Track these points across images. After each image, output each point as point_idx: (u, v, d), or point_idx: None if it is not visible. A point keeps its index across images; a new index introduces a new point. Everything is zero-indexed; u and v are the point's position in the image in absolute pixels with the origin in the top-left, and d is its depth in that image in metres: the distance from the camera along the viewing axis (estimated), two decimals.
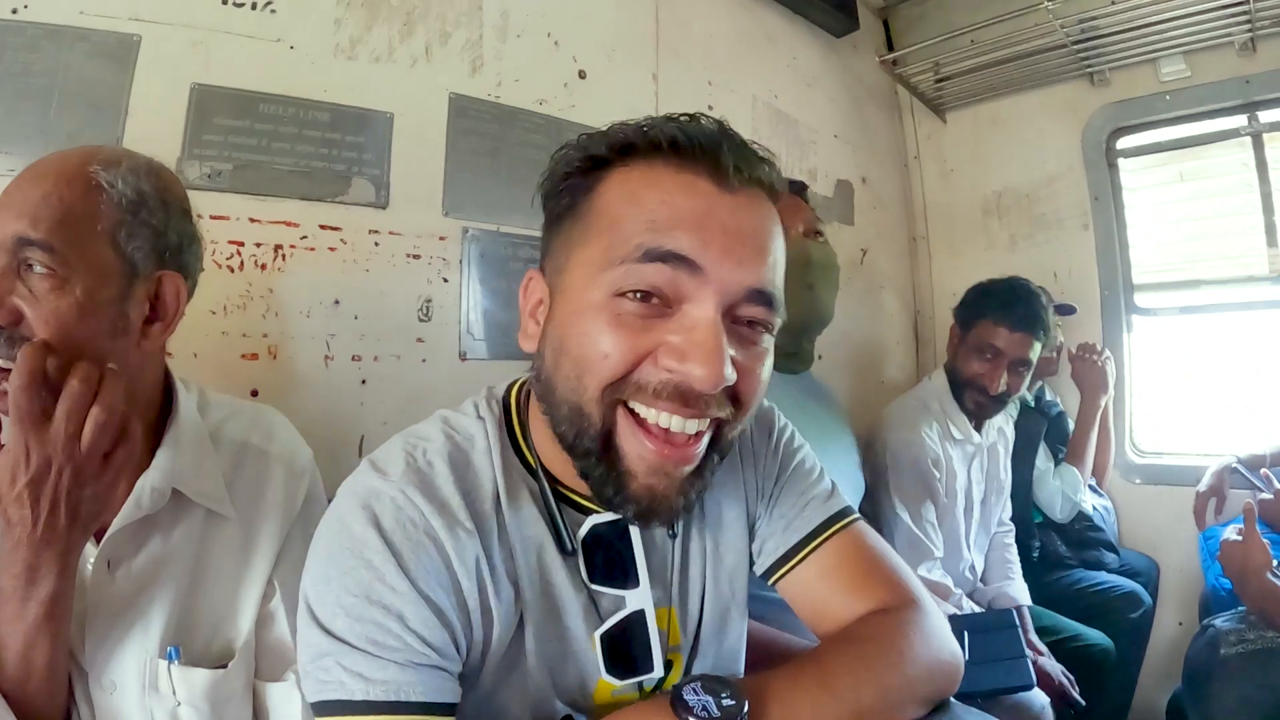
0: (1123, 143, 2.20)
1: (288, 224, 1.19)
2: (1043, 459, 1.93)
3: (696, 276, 0.53)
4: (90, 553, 0.70)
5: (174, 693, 0.72)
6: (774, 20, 2.06)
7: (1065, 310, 2.07)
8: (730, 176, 0.55)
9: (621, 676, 0.63)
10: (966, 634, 1.36)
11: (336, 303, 1.23)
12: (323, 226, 1.22)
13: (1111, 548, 1.97)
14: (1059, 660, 1.56)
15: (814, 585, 0.68)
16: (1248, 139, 2.00)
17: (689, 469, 0.57)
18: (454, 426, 0.64)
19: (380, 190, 1.29)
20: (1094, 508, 1.98)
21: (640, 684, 0.64)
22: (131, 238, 0.70)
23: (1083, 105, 2.20)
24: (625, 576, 0.64)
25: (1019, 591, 1.67)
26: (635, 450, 0.55)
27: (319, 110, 1.23)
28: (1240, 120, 2.01)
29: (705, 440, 0.57)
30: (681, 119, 0.57)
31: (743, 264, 0.54)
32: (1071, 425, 2.03)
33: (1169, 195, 2.15)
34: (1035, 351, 1.60)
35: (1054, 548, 1.91)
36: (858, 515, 0.73)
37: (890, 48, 2.41)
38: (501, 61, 1.45)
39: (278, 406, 1.12)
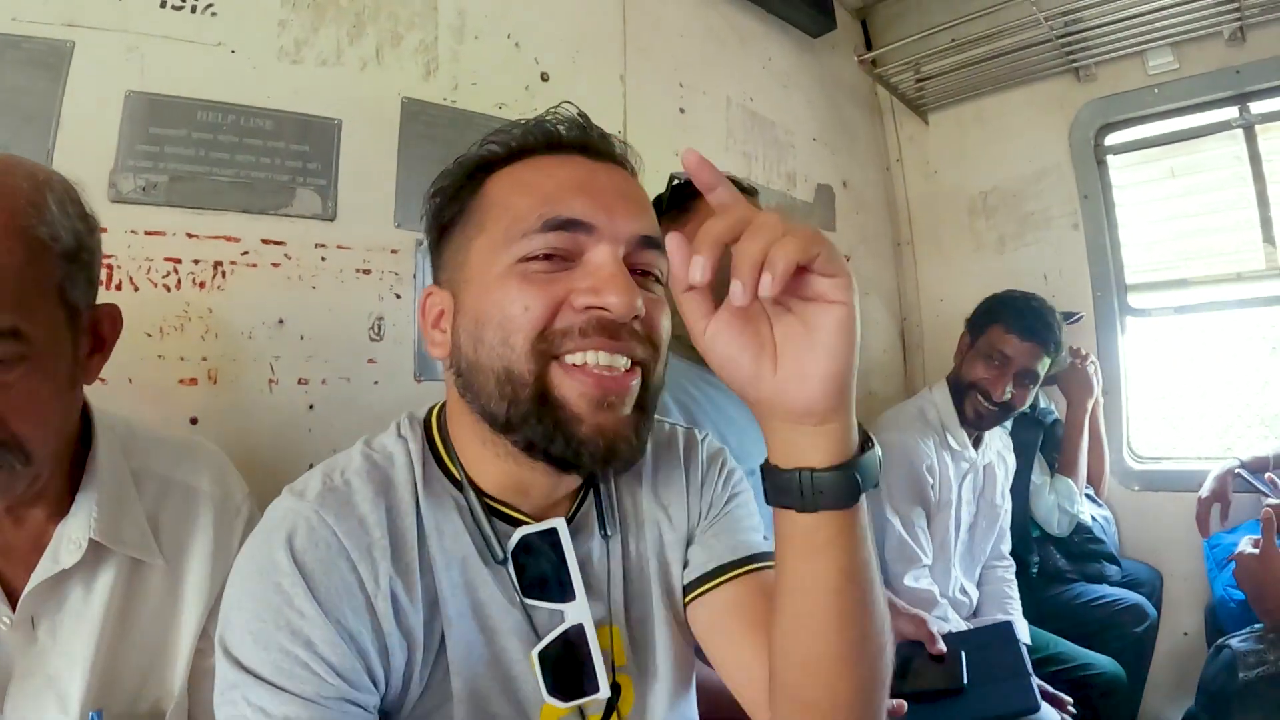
0: (1111, 139, 2.20)
1: (228, 239, 1.14)
2: (1038, 473, 1.92)
3: (592, 235, 0.58)
4: (3, 611, 0.66)
5: None
6: (747, 20, 2.04)
7: (1071, 318, 2.06)
8: (600, 151, 0.64)
9: (566, 699, 0.61)
10: (964, 653, 1.35)
11: (281, 322, 1.18)
12: (265, 241, 1.17)
13: (1113, 559, 1.96)
14: (1067, 688, 1.50)
15: (722, 615, 0.67)
16: (1240, 131, 2.00)
17: (631, 401, 0.59)
18: (373, 447, 0.65)
19: (327, 201, 1.24)
20: (1093, 518, 1.97)
21: (581, 710, 0.62)
22: (74, 286, 0.65)
23: (1069, 101, 2.20)
24: (561, 589, 0.63)
25: (1018, 627, 1.62)
26: (575, 391, 0.57)
27: (261, 118, 1.18)
28: (1231, 112, 2.01)
29: (637, 378, 0.59)
30: (547, 114, 0.65)
31: (630, 216, 0.60)
32: None
33: (1160, 192, 2.15)
34: (1043, 366, 1.62)
35: (1053, 562, 1.90)
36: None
37: (869, 48, 2.40)
38: (458, 64, 1.41)
39: (219, 434, 1.08)
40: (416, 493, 0.61)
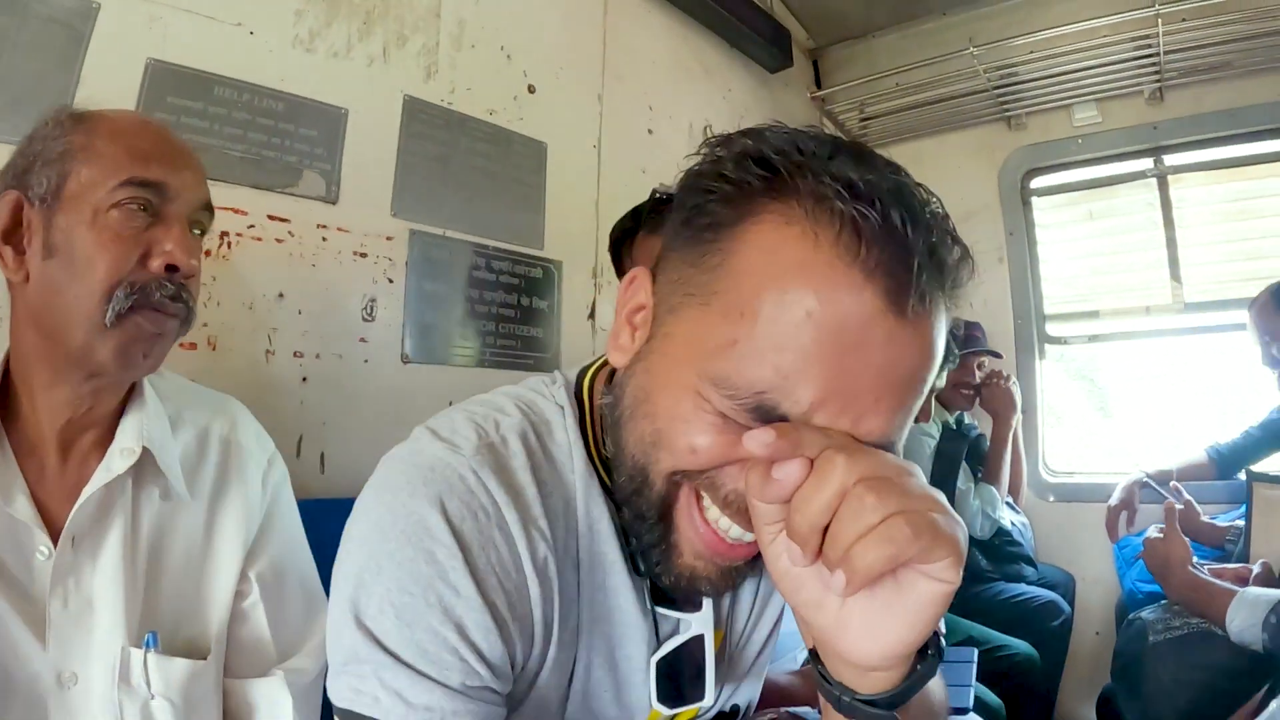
0: (1036, 182, 2.57)
1: (236, 211, 1.23)
2: (963, 480, 2.17)
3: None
4: (42, 539, 0.70)
5: (148, 685, 0.72)
6: (712, 52, 2.30)
7: (993, 354, 2.39)
8: (912, 299, 0.46)
9: (672, 705, 0.62)
10: None
11: (281, 296, 1.29)
12: (271, 217, 1.28)
13: (1030, 561, 2.23)
14: (987, 669, 1.75)
15: None
16: (1153, 181, 2.38)
17: (736, 563, 0.55)
18: (529, 405, 0.61)
19: (331, 185, 1.36)
20: (1012, 524, 2.24)
21: (691, 713, 0.64)
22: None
23: (1000, 147, 2.56)
24: (688, 599, 0.62)
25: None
26: (687, 532, 0.54)
27: (274, 99, 1.30)
28: (1147, 163, 2.39)
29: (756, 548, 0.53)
30: (866, 174, 0.47)
31: (865, 417, 0.47)
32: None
33: (1079, 232, 2.54)
34: (942, 375, 1.96)
35: (976, 563, 2.14)
36: None
37: (819, 86, 2.72)
38: (455, 70, 1.57)
39: None
40: (574, 478, 0.58)
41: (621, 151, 1.95)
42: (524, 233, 1.70)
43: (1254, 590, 1.34)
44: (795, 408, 0.46)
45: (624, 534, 0.59)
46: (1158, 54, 2.11)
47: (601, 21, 1.94)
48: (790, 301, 0.46)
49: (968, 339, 2.34)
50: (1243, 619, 1.29)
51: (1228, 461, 2.10)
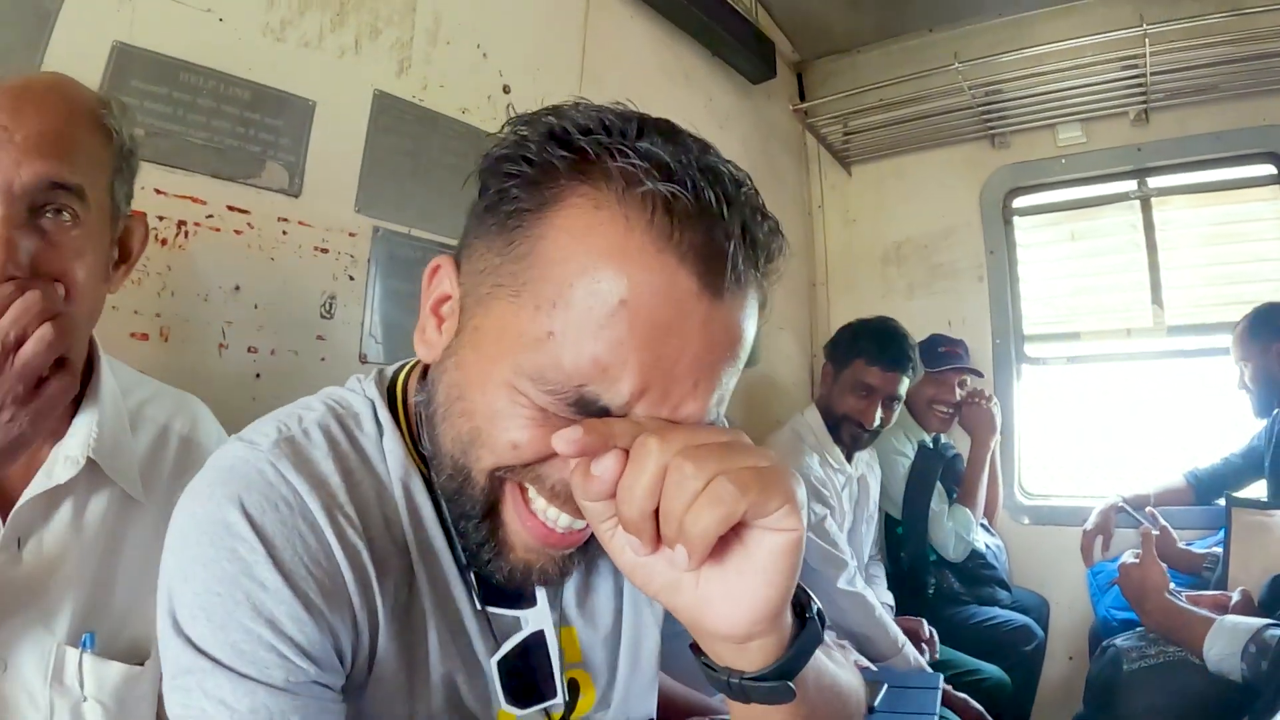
0: (1019, 201, 2.61)
1: (194, 200, 1.22)
2: (937, 500, 2.18)
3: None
4: None
5: (81, 685, 0.72)
6: (695, 60, 2.31)
7: (975, 373, 2.41)
8: (728, 280, 0.48)
9: (523, 705, 0.62)
10: (886, 686, 1.49)
11: (237, 288, 1.27)
12: (230, 208, 1.26)
13: (1004, 585, 2.25)
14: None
15: None
16: (1136, 203, 2.43)
17: (570, 550, 0.57)
18: (337, 400, 0.62)
19: (294, 178, 1.35)
20: (986, 546, 2.26)
21: (546, 711, 0.64)
22: (120, 185, 0.76)
23: (983, 165, 2.60)
24: (520, 596, 0.63)
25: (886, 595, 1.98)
26: (515, 527, 0.55)
27: (240, 87, 1.28)
28: (1131, 185, 2.44)
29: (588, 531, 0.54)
30: (678, 154, 0.48)
31: (683, 401, 0.49)
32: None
33: (1060, 252, 2.58)
34: (904, 387, 1.90)
35: (948, 585, 2.16)
36: None
37: (802, 99, 2.75)
38: (429, 65, 1.57)
39: None
40: (385, 466, 0.58)
41: None
42: None
43: (1232, 618, 1.34)
44: (617, 398, 0.47)
45: (448, 534, 0.59)
46: (1144, 75, 2.15)
47: (582, 23, 1.95)
48: (604, 290, 0.46)
49: (949, 356, 2.35)
50: (1221, 648, 1.30)
51: (1206, 487, 2.13)
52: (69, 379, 0.67)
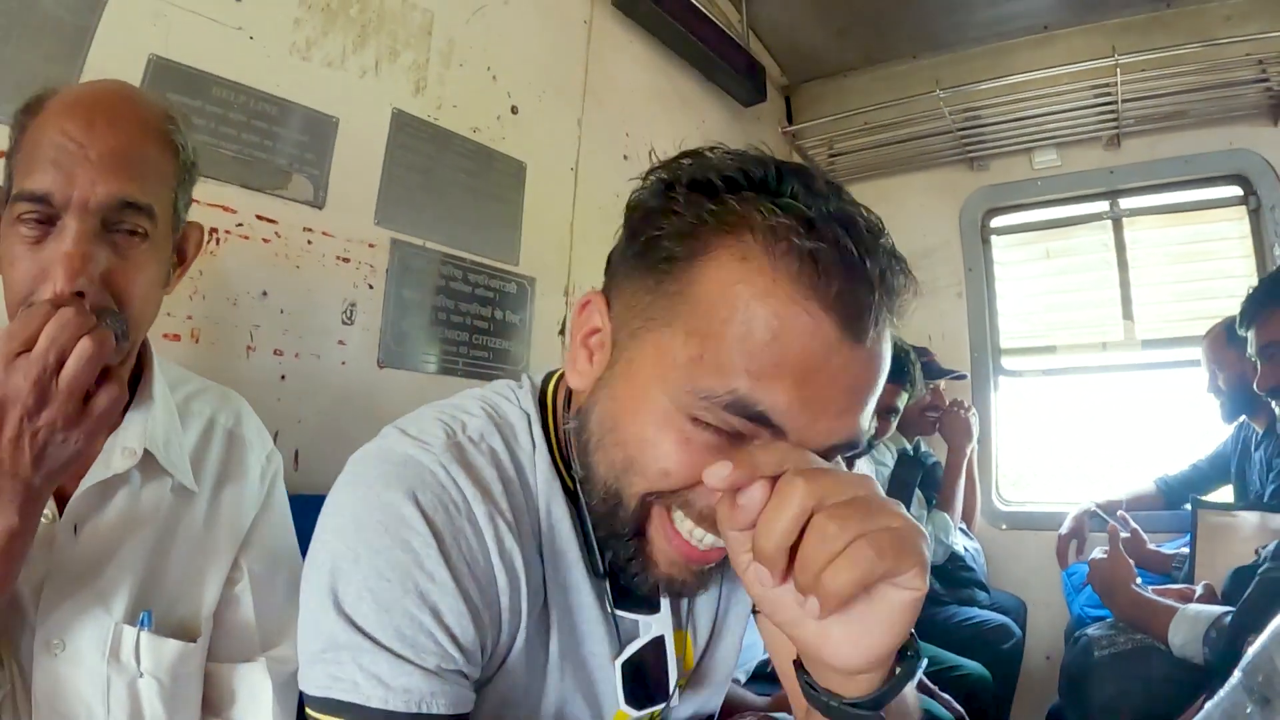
0: (996, 221, 2.75)
1: (225, 209, 1.30)
2: (917, 506, 2.28)
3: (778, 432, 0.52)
4: (49, 513, 0.71)
5: (137, 662, 0.74)
6: (690, 84, 2.44)
7: (956, 375, 2.55)
8: (868, 328, 0.52)
9: (639, 706, 0.67)
10: None
11: (265, 294, 1.34)
12: (259, 217, 1.34)
13: (982, 586, 2.34)
14: (940, 687, 1.89)
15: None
16: (1109, 223, 2.58)
17: (710, 565, 0.60)
18: (494, 408, 0.66)
19: (318, 190, 1.43)
20: (964, 548, 2.34)
21: (655, 714, 0.69)
22: (183, 195, 0.79)
23: (962, 186, 2.73)
24: (645, 601, 0.67)
25: None
26: (662, 545, 0.58)
27: (269, 103, 1.37)
28: (1103, 206, 2.59)
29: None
30: (816, 204, 0.52)
31: (833, 426, 0.53)
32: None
33: (1036, 270, 2.72)
34: (902, 400, 2.00)
35: (930, 586, 2.33)
36: None
37: (790, 122, 2.87)
38: (443, 86, 1.66)
39: None
40: (536, 478, 0.63)
41: (598, 175, 2.06)
42: (500, 248, 1.79)
43: (1194, 606, 1.42)
44: (773, 402, 0.51)
45: (584, 535, 0.64)
46: (1116, 102, 2.28)
47: (585, 48, 2.07)
48: (757, 324, 0.51)
49: (933, 365, 2.47)
50: (1184, 634, 1.37)
51: (1175, 493, 2.24)
52: (116, 390, 0.67)
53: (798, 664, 0.54)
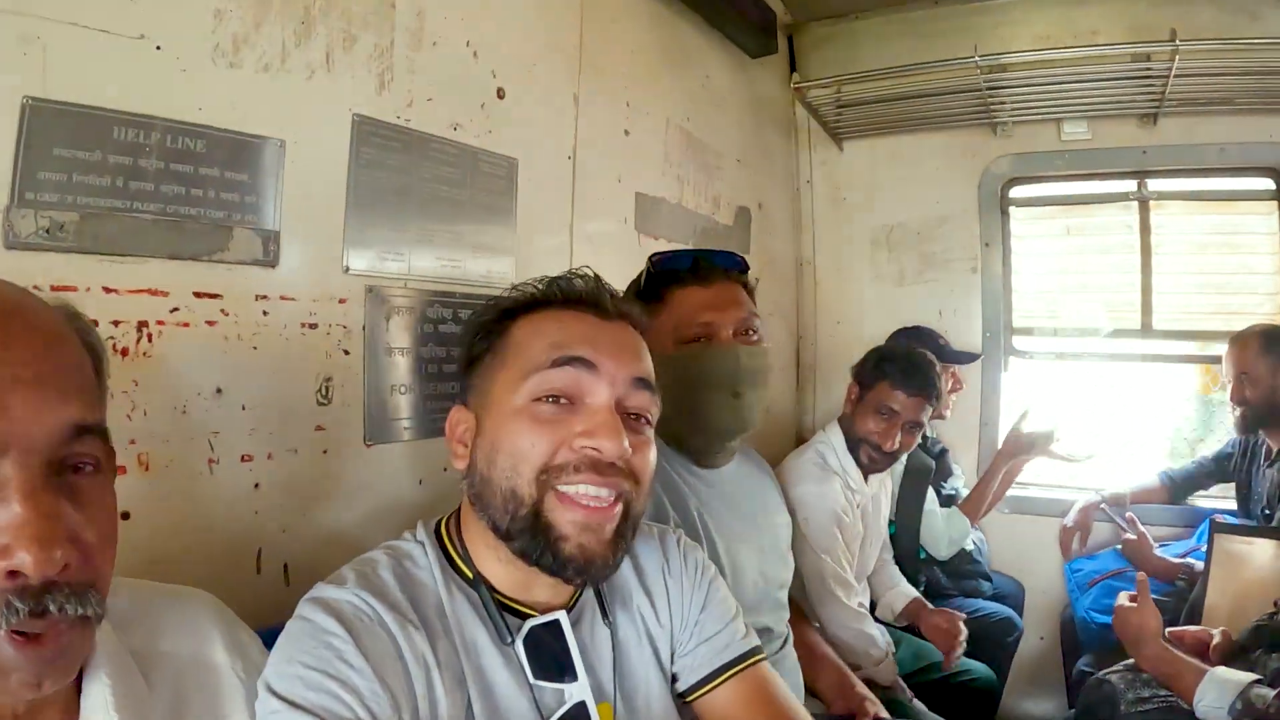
0: (1016, 192, 2.58)
1: (153, 293, 1.00)
2: (928, 500, 2.24)
3: (593, 373, 0.77)
4: None
5: None
6: (694, 37, 2.13)
7: (970, 358, 2.46)
8: (609, 311, 0.84)
9: None
10: None
11: (219, 391, 1.07)
12: (198, 294, 1.05)
13: (987, 577, 2.36)
14: (946, 693, 1.88)
15: (733, 708, 0.90)
16: (1135, 204, 2.45)
17: (612, 528, 0.76)
18: (394, 549, 0.83)
19: (268, 243, 1.12)
20: (972, 542, 2.34)
21: None
22: (102, 401, 0.62)
23: (983, 152, 2.54)
24: (563, 672, 0.79)
25: (909, 589, 2.07)
26: (564, 518, 0.74)
27: (191, 136, 1.03)
28: (1131, 185, 2.45)
29: (619, 508, 0.77)
30: (564, 276, 0.86)
31: (627, 362, 0.80)
32: (953, 464, 2.42)
33: (1055, 246, 2.59)
34: (926, 414, 1.91)
35: (937, 581, 2.26)
36: (763, 655, 0.95)
37: (793, 67, 2.59)
38: (414, 75, 1.33)
39: (156, 527, 1.01)
40: (436, 587, 0.79)
41: (598, 159, 1.76)
42: (493, 268, 1.52)
43: (1223, 672, 1.41)
44: (575, 350, 0.79)
45: (492, 618, 0.79)
46: (1166, 79, 2.10)
47: (579, 6, 1.72)
48: (547, 327, 0.83)
49: (940, 349, 2.37)
50: (1210, 700, 1.36)
51: (1179, 487, 2.28)
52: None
53: None
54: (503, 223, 1.54)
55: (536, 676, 0.78)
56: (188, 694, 0.70)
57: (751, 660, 0.93)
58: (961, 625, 1.92)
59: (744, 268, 1.36)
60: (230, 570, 1.11)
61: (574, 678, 0.80)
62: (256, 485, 1.14)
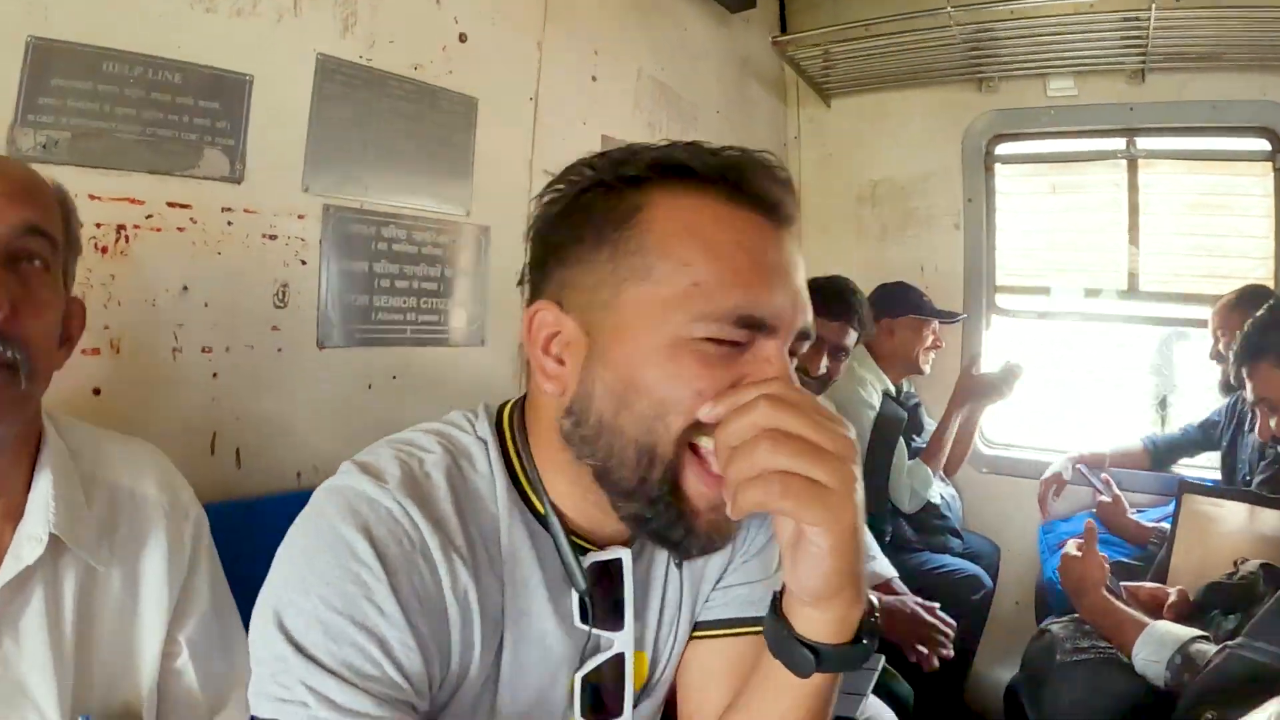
0: (1001, 149, 2.63)
1: (132, 201, 1.22)
2: (896, 453, 2.30)
3: (772, 337, 0.62)
4: None
5: None
6: None
7: (952, 317, 2.49)
8: (791, 214, 0.66)
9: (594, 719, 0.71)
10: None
11: (185, 289, 1.29)
12: (170, 204, 1.27)
13: (956, 533, 2.41)
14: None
15: (720, 665, 0.79)
16: (1123, 162, 2.47)
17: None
18: (449, 439, 0.70)
19: (235, 163, 1.34)
20: (940, 496, 2.39)
21: None
22: (69, 261, 0.79)
23: (968, 108, 2.60)
24: (611, 618, 0.71)
25: (884, 567, 2.05)
26: (697, 490, 0.63)
27: (170, 70, 1.25)
28: (1119, 143, 2.47)
29: None
30: (738, 153, 0.65)
31: (803, 310, 0.65)
32: (927, 419, 2.48)
33: (1039, 204, 2.63)
34: (850, 339, 2.03)
35: (902, 532, 2.32)
36: None
37: (783, 25, 2.68)
38: (376, 18, 1.51)
39: (123, 405, 1.20)
40: (496, 506, 0.67)
41: (561, 103, 1.93)
42: (449, 198, 1.71)
43: (1162, 625, 1.42)
44: (769, 309, 0.61)
45: (563, 560, 0.69)
46: (1147, 33, 2.12)
47: None
48: (716, 237, 0.62)
49: (929, 303, 2.43)
50: (1148, 653, 1.37)
51: (1162, 454, 2.28)
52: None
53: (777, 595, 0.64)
54: (460, 157, 1.73)
55: (584, 621, 0.69)
56: (119, 516, 0.83)
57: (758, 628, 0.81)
58: (927, 616, 1.90)
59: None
60: (187, 449, 1.31)
61: (620, 625, 0.71)
62: (215, 375, 1.36)
